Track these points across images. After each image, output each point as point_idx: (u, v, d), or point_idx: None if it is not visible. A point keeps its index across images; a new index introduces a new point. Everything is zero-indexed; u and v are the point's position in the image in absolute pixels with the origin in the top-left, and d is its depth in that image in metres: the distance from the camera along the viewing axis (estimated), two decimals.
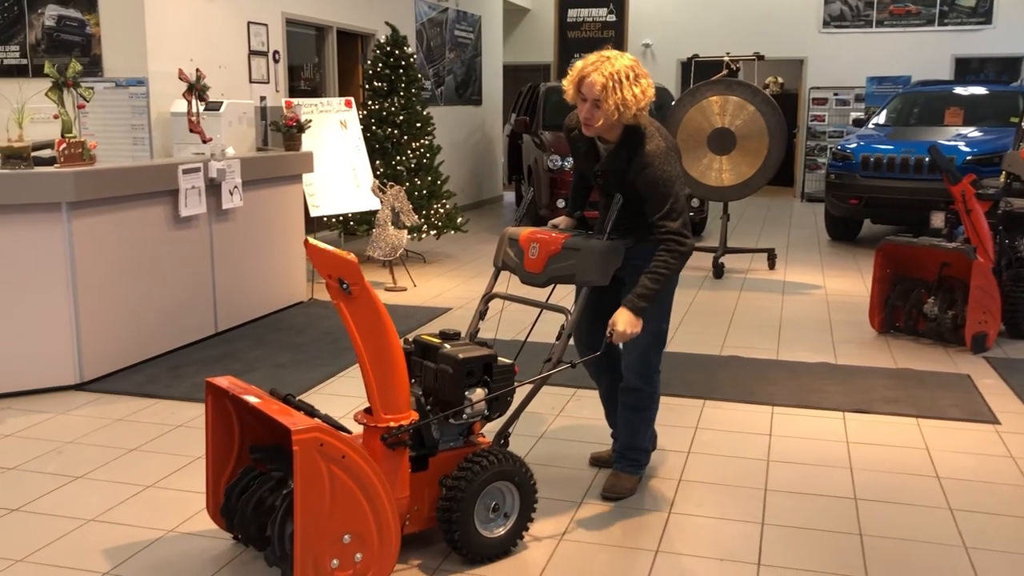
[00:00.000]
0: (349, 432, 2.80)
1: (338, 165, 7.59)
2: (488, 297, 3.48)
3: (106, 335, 4.91)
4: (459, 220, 8.66)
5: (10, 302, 4.57)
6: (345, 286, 2.66)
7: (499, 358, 3.05)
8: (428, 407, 3.00)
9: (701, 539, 3.17)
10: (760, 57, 9.00)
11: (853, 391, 4.78)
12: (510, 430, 3.17)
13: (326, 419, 2.77)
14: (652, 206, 3.14)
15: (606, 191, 3.35)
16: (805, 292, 7.38)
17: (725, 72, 8.17)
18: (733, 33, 14.59)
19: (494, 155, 14.11)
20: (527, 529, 3.07)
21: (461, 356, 2.94)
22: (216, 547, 3.07)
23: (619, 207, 3.19)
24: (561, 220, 3.58)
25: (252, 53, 8.01)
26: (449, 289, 7.44)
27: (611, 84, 3.05)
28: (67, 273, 4.67)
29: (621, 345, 3.36)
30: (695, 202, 9.69)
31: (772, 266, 8.43)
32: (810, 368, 5.21)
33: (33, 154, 6.38)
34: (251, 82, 8.01)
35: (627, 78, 3.07)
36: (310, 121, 6.92)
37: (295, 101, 7.36)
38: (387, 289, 7.35)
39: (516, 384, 3.08)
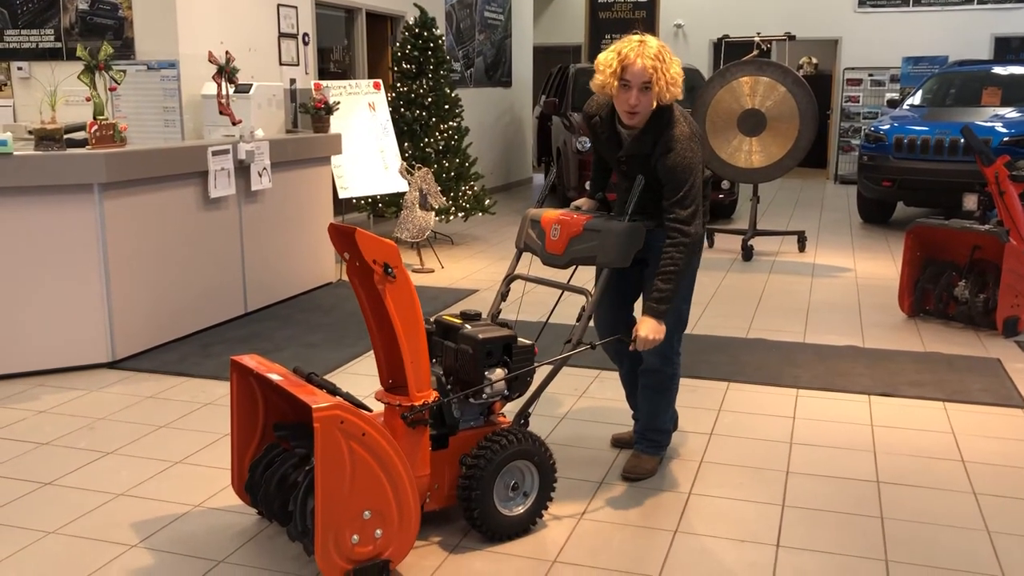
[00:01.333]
0: (370, 410, 2.83)
1: (366, 147, 7.62)
2: (510, 278, 3.50)
3: (137, 314, 5.00)
4: (487, 202, 8.68)
5: (44, 281, 4.67)
6: (390, 271, 2.70)
7: (519, 339, 3.07)
8: (448, 387, 3.03)
9: (720, 520, 3.18)
10: (791, 37, 8.87)
11: (880, 374, 4.75)
12: (530, 410, 3.19)
13: (347, 397, 2.80)
14: (668, 190, 3.14)
15: (628, 175, 3.34)
16: (835, 275, 7.32)
17: (756, 52, 8.09)
18: (767, 13, 14.42)
19: (524, 137, 14.08)
20: (546, 508, 3.09)
21: (481, 336, 2.96)
22: (241, 522, 3.13)
23: (640, 189, 3.18)
24: (583, 202, 3.58)
25: (282, 35, 8.05)
26: (477, 271, 7.47)
27: (659, 64, 3.05)
28: (99, 253, 4.75)
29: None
30: (725, 184, 9.63)
31: (802, 248, 8.36)
32: (837, 351, 5.18)
33: (67, 136, 6.49)
34: (281, 64, 8.05)
35: (667, 58, 3.10)
36: (338, 103, 6.96)
37: (324, 83, 7.40)
38: (415, 271, 7.39)
39: (536, 364, 3.10)
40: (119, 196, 4.82)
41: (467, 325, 3.07)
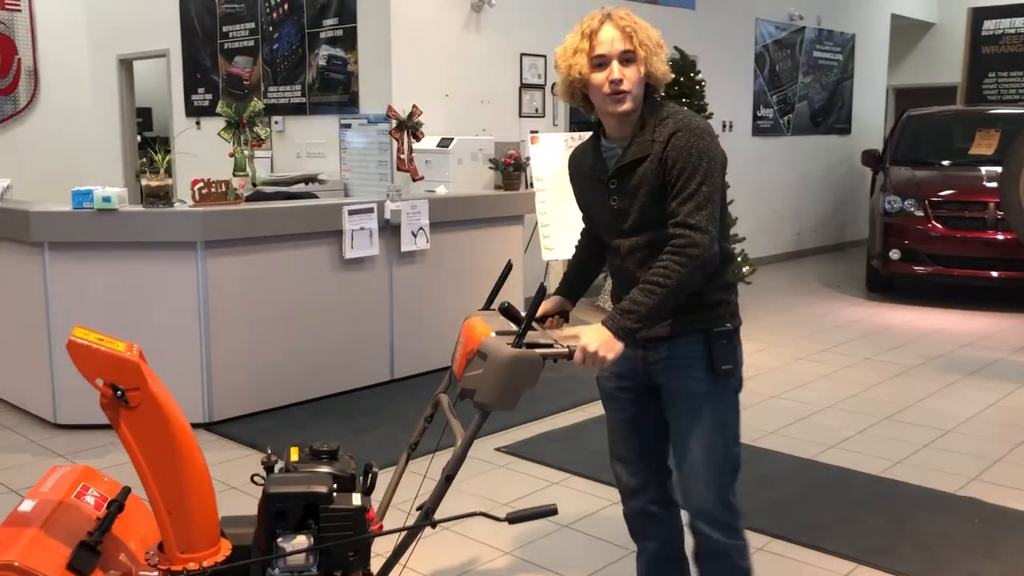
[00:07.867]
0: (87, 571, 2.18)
1: None
2: (435, 400, 2.69)
3: (240, 376, 4.85)
4: (743, 269, 7.49)
5: (145, 335, 4.64)
6: (120, 393, 2.13)
7: (345, 496, 2.27)
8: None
9: None
10: None
11: None
12: None
13: (88, 547, 2.22)
14: (676, 187, 2.23)
15: (622, 217, 2.36)
16: None
17: None
18: None
19: (864, 192, 12.28)
20: None
21: (272, 490, 2.22)
22: None
23: (541, 295, 2.26)
24: (551, 302, 2.66)
25: (524, 86, 7.68)
26: None
27: (632, 23, 2.30)
28: (199, 311, 4.67)
29: (681, 473, 2.43)
30: None
31: None
32: None
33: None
34: (521, 116, 7.68)
35: (638, 20, 2.32)
36: (528, 159, 6.38)
37: (540, 135, 6.88)
38: None
39: (373, 534, 2.28)
40: (225, 254, 4.71)
41: (301, 469, 2.35)
